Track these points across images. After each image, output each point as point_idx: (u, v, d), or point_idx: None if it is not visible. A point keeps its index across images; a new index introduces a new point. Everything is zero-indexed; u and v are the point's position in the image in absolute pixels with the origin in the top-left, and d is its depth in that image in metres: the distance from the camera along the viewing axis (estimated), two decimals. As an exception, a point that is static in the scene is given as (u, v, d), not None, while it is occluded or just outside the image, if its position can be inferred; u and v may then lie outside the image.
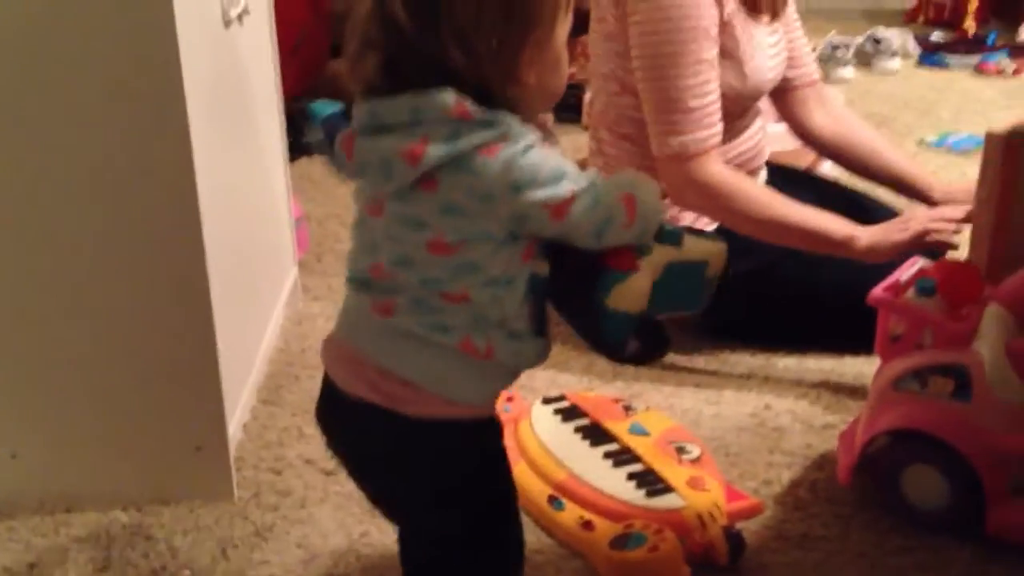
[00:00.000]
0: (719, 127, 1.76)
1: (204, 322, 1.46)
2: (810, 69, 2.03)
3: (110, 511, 1.52)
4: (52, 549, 1.46)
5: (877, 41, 3.88)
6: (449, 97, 0.95)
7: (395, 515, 1.14)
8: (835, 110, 2.05)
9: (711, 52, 1.73)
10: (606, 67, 1.85)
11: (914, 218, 1.76)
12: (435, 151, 0.95)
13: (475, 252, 0.99)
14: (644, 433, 1.56)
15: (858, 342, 1.81)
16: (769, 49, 1.86)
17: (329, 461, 1.54)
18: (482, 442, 1.09)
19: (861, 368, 1.83)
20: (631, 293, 1.02)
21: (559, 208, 0.98)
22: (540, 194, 0.97)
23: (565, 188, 0.98)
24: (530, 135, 0.98)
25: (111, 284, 1.45)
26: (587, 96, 3.19)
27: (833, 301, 1.82)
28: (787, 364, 1.88)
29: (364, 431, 1.06)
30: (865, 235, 1.74)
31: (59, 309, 1.46)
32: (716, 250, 1.07)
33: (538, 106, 1.02)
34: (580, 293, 1.04)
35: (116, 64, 1.35)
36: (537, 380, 1.83)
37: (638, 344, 1.07)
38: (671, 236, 1.05)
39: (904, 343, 1.45)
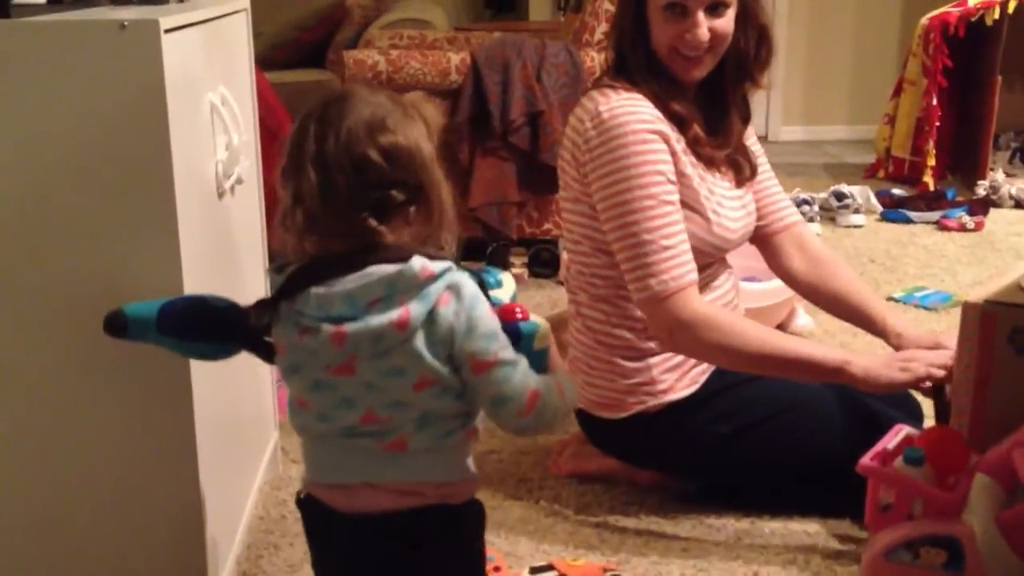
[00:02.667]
0: (694, 265, 1.77)
1: (191, 499, 1.45)
2: (783, 215, 2.02)
3: None
4: None
5: (840, 197, 3.99)
6: (417, 264, 1.12)
7: None
8: (813, 252, 2.02)
9: (673, 195, 1.77)
10: (577, 231, 1.88)
11: (916, 359, 1.73)
12: (416, 314, 1.12)
13: (451, 379, 1.16)
14: (635, 604, 1.54)
15: (842, 504, 1.82)
16: (731, 203, 1.89)
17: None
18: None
19: (848, 531, 1.83)
20: (546, 334, 1.27)
21: (481, 364, 1.16)
22: (472, 346, 1.15)
23: (493, 350, 1.16)
24: (472, 283, 1.16)
25: (97, 457, 1.44)
26: (563, 254, 3.24)
27: (816, 464, 1.84)
28: (773, 528, 1.86)
29: (406, 527, 1.19)
30: (860, 362, 1.73)
31: (51, 480, 1.45)
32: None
33: (440, 234, 1.19)
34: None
35: (118, 229, 1.38)
36: (521, 547, 1.80)
37: None
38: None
39: (894, 513, 1.45)
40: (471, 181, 3.16)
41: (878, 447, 1.51)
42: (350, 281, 1.12)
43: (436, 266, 1.14)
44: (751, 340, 1.76)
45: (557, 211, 3.25)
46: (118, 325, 1.31)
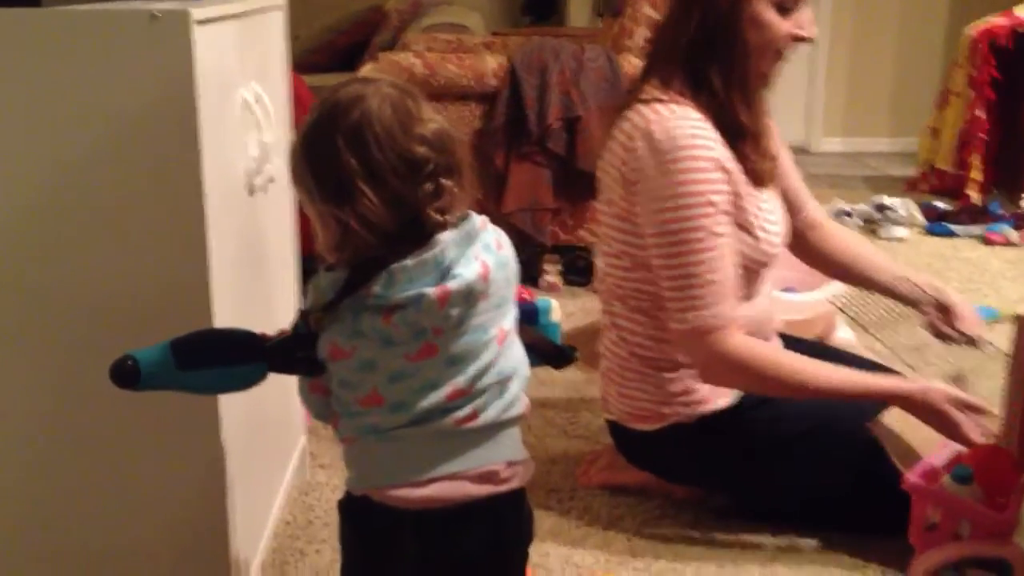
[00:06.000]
0: (737, 301, 1.73)
1: (217, 504, 1.43)
2: (809, 208, 2.06)
3: None
4: None
5: (882, 208, 3.92)
6: (477, 219, 1.17)
7: None
8: (837, 241, 2.08)
9: (725, 227, 1.71)
10: (617, 245, 1.83)
11: (973, 425, 1.60)
12: (492, 263, 1.16)
13: (516, 321, 1.22)
14: (667, 621, 1.49)
15: (884, 521, 1.76)
16: (773, 215, 1.85)
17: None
18: None
19: (890, 549, 1.76)
20: (557, 308, 1.37)
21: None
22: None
23: None
24: None
25: (123, 460, 1.42)
26: (597, 262, 3.20)
27: (854, 480, 1.78)
28: (812, 545, 1.81)
29: (481, 515, 1.21)
30: (925, 392, 1.63)
31: (74, 484, 1.43)
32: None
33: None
34: (529, 324, 1.31)
35: (144, 224, 1.35)
36: (552, 559, 1.76)
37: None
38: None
39: (941, 533, 1.40)
40: (505, 186, 3.13)
41: (925, 464, 1.46)
42: (429, 248, 1.13)
43: (483, 217, 1.19)
44: (792, 375, 1.72)
45: (592, 218, 3.21)
46: (129, 372, 1.16)
